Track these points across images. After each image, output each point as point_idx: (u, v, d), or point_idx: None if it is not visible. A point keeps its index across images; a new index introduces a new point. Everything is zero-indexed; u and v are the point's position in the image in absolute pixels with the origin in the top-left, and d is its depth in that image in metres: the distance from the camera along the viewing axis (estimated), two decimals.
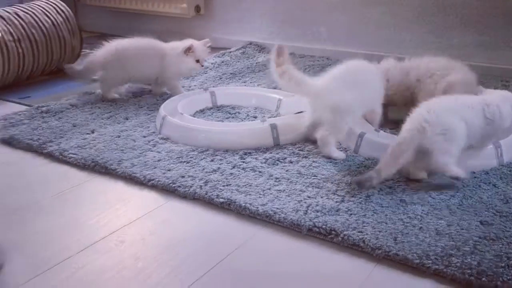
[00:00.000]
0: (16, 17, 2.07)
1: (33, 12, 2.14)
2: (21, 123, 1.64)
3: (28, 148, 1.47)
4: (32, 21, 2.11)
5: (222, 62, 2.38)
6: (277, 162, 1.34)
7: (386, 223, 1.03)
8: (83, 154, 1.39)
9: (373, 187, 1.15)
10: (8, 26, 2.01)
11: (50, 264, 0.95)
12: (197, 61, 1.82)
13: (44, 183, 1.29)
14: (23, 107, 1.84)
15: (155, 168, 1.31)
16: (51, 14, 2.20)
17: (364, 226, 1.02)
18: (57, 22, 2.20)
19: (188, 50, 1.79)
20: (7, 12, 2.07)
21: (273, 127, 1.45)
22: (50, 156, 1.42)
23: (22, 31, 2.05)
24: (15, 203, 1.13)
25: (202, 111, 1.73)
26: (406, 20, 2.29)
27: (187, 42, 1.82)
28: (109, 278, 0.92)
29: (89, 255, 0.99)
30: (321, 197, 1.14)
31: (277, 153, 1.38)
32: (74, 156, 1.39)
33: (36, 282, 0.90)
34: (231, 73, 2.20)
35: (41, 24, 2.13)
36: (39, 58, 2.12)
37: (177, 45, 1.84)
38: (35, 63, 2.11)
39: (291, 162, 1.34)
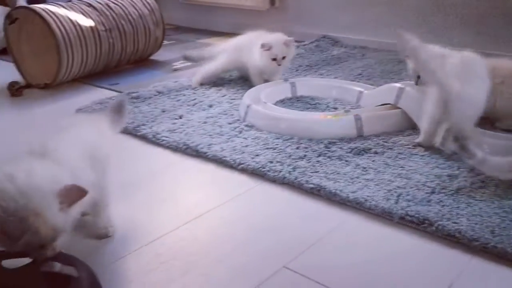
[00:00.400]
0: (108, 8, 2.20)
1: (122, 4, 2.27)
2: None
3: (124, 130, 1.57)
4: (122, 12, 2.23)
5: (297, 54, 2.39)
6: (362, 152, 1.36)
7: (481, 216, 1.02)
8: (174, 138, 1.47)
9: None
10: (100, 16, 2.15)
11: (150, 239, 1.02)
12: (274, 59, 1.84)
13: (142, 163, 1.38)
14: (114, 93, 1.96)
15: (243, 153, 1.37)
16: (138, 6, 2.32)
17: (459, 217, 1.02)
18: (143, 14, 2.32)
19: (265, 47, 1.81)
20: (100, 3, 2.21)
21: (357, 118, 1.47)
22: (144, 138, 1.51)
23: (113, 21, 2.18)
24: (119, 180, 1.22)
25: (282, 101, 1.77)
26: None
27: (268, 38, 1.85)
28: (202, 254, 0.98)
29: (184, 231, 1.05)
30: (411, 188, 1.15)
31: (362, 144, 1.40)
32: (166, 139, 1.47)
33: (135, 255, 0.98)
34: (307, 65, 2.23)
35: (129, 16, 2.25)
36: (127, 47, 2.24)
37: (264, 38, 1.86)
38: (123, 52, 2.23)
39: (376, 152, 1.35)
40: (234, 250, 0.99)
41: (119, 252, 0.98)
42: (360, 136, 1.46)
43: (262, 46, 1.81)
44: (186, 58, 2.27)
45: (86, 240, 1.00)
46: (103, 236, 1.02)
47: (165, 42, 2.58)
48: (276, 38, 1.84)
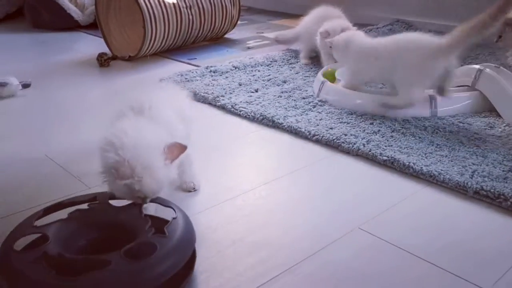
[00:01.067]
0: None
1: None
2: (195, 79, 1.85)
3: (204, 100, 1.67)
4: None
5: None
6: (437, 130, 1.37)
7: None
8: (251, 108, 1.55)
9: None
10: None
11: (231, 195, 1.10)
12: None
13: (221, 130, 1.47)
14: (192, 67, 2.07)
15: (318, 125, 1.42)
16: None
17: None
18: None
19: (323, 34, 1.86)
20: None
21: (432, 98, 1.47)
22: (223, 108, 1.60)
23: None
24: (201, 143, 1.31)
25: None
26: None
27: (327, 26, 1.88)
28: (280, 212, 1.05)
29: (263, 191, 1.12)
30: (487, 165, 1.16)
31: (436, 123, 1.41)
32: (244, 109, 1.55)
33: (218, 208, 1.06)
34: None
35: None
36: (205, 24, 2.34)
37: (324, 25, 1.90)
38: (201, 29, 2.33)
39: (451, 132, 1.36)
40: (310, 210, 1.06)
41: (203, 205, 1.07)
42: (434, 116, 1.46)
43: (320, 34, 1.86)
44: (278, 41, 2.33)
45: (173, 193, 1.10)
46: (189, 189, 1.11)
47: (239, 22, 2.66)
48: (334, 25, 1.88)
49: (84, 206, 0.89)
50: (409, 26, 2.60)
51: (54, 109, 1.64)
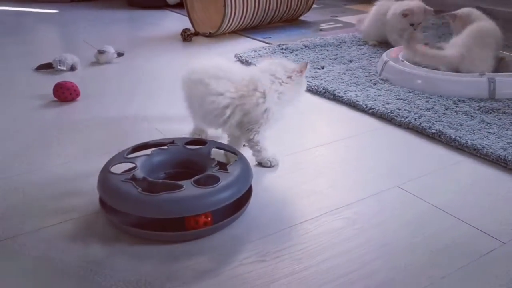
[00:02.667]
0: None
1: None
2: (267, 55, 2.01)
3: None
4: None
5: (442, 23, 2.45)
6: (490, 111, 1.43)
7: None
8: (315, 83, 1.68)
9: None
10: None
11: (292, 151, 1.25)
12: (411, 24, 1.97)
13: None
14: (265, 44, 2.23)
15: (375, 100, 1.53)
16: None
17: None
18: None
19: (405, 13, 1.95)
20: None
21: (491, 81, 1.52)
22: None
23: None
24: None
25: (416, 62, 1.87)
26: None
27: (410, 4, 1.97)
28: (331, 168, 1.19)
29: (318, 151, 1.26)
30: None
31: (491, 104, 1.47)
32: (308, 83, 1.69)
33: (280, 161, 1.21)
34: (449, 33, 2.25)
35: None
36: (281, 6, 2.49)
37: (402, 5, 2.00)
38: (277, 10, 2.48)
39: (504, 113, 1.41)
40: (356, 168, 1.18)
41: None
42: (492, 98, 1.52)
43: (402, 12, 1.95)
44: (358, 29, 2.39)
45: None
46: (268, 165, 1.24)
47: (314, 5, 2.78)
48: (417, 5, 1.96)
49: (164, 147, 1.08)
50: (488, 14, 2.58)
51: (143, 76, 1.88)
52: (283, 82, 1.13)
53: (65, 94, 1.57)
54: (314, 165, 1.20)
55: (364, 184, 1.11)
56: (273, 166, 1.18)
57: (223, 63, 1.18)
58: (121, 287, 0.80)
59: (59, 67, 1.87)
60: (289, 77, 1.14)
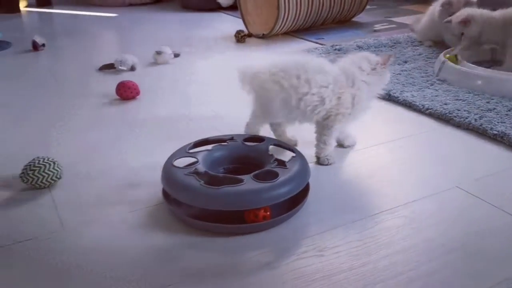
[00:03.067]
0: None
1: None
2: (319, 56, 2.02)
3: None
4: None
5: None
6: None
7: None
8: None
9: None
10: None
11: (345, 150, 1.26)
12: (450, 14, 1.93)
13: None
14: (318, 45, 2.24)
15: (432, 101, 1.50)
16: None
17: None
18: None
19: (445, 4, 1.92)
20: None
21: None
22: None
23: None
24: None
25: (479, 62, 1.82)
26: None
27: None
28: (388, 165, 1.18)
29: (377, 150, 1.26)
30: None
31: None
32: None
33: (353, 150, 1.22)
34: None
35: None
36: (334, 7, 2.49)
37: None
38: (330, 11, 2.49)
39: None
40: (413, 168, 1.17)
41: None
42: None
43: (442, 4, 1.92)
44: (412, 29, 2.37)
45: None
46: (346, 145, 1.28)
47: (368, 6, 2.76)
48: None
49: (224, 143, 1.12)
50: None
51: (198, 75, 1.93)
52: (368, 73, 1.17)
53: (126, 92, 1.64)
54: (371, 164, 1.20)
55: (421, 183, 1.10)
56: (329, 164, 1.19)
57: (305, 59, 1.20)
58: (186, 275, 0.83)
59: (120, 67, 1.95)
60: (373, 69, 1.17)
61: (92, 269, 0.86)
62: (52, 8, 3.43)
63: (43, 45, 2.31)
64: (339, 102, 1.15)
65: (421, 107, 1.47)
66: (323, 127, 1.18)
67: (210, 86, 1.79)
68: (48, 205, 1.05)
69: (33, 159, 1.11)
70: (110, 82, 1.75)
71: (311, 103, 1.14)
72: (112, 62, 1.98)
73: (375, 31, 2.50)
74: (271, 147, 1.10)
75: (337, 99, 1.15)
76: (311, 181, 1.04)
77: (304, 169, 1.01)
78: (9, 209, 1.04)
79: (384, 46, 2.12)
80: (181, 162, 1.05)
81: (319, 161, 1.20)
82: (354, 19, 2.74)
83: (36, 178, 1.08)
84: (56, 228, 0.97)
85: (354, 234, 0.93)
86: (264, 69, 1.18)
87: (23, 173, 1.09)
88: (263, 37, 2.42)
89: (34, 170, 1.08)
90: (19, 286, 0.82)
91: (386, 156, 1.24)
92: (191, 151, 1.08)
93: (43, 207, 1.04)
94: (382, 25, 2.62)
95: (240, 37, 2.39)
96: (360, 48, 2.10)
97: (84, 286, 0.81)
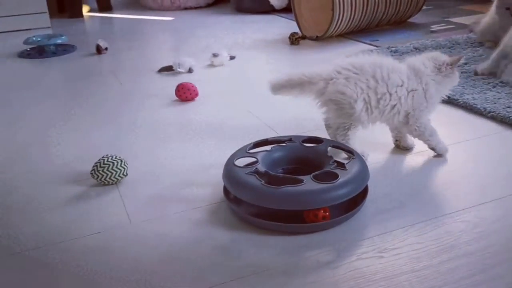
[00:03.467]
0: None
1: None
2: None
3: None
4: None
5: None
6: None
7: None
8: None
9: None
10: None
11: (403, 154, 1.25)
12: (507, 8, 1.89)
13: None
14: (373, 47, 2.22)
15: (495, 103, 1.46)
16: None
17: None
18: None
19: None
20: None
21: None
22: None
23: None
24: None
25: None
26: None
27: None
28: (451, 171, 1.16)
29: (431, 152, 1.25)
30: None
31: None
32: None
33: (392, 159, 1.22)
34: None
35: None
36: (389, 8, 2.45)
37: None
38: (385, 12, 2.46)
39: None
40: (475, 172, 1.15)
41: (382, 154, 1.24)
42: None
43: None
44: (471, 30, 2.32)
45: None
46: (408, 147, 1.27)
47: (424, 7, 2.70)
48: None
49: (283, 144, 1.14)
50: None
51: (254, 77, 1.96)
52: (433, 72, 1.17)
53: (186, 94, 1.70)
54: (431, 168, 1.19)
55: (484, 188, 1.08)
56: (446, 152, 1.22)
57: (376, 58, 1.20)
58: (246, 272, 0.86)
59: (178, 69, 2.02)
60: (438, 68, 1.17)
61: (159, 259, 0.90)
62: (112, 12, 3.58)
63: (106, 48, 2.42)
64: (413, 101, 1.17)
65: (483, 110, 1.44)
66: (413, 130, 1.20)
67: (266, 88, 1.82)
68: (116, 201, 1.10)
69: (102, 157, 1.17)
70: (169, 84, 1.82)
71: (390, 102, 1.16)
72: (170, 64, 2.05)
73: (432, 32, 2.45)
74: (329, 148, 1.11)
75: (412, 98, 1.17)
76: (370, 182, 1.05)
77: (363, 171, 1.02)
78: (80, 204, 1.10)
79: (442, 47, 2.07)
80: (242, 161, 1.08)
81: (437, 154, 1.22)
82: (410, 20, 2.69)
83: (105, 175, 1.14)
84: (124, 223, 1.02)
85: (414, 237, 0.93)
86: (330, 75, 1.17)
87: (93, 170, 1.16)
88: (317, 39, 2.42)
89: (104, 167, 1.15)
90: (93, 274, 0.87)
91: (447, 159, 1.22)
92: (251, 151, 1.11)
93: (111, 203, 1.10)
94: (440, 26, 2.56)
95: (294, 39, 2.41)
96: (417, 49, 2.07)
97: (150, 276, 0.86)
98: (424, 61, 1.19)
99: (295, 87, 1.19)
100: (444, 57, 1.20)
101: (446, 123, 1.44)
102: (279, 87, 1.20)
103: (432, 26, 2.55)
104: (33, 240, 0.98)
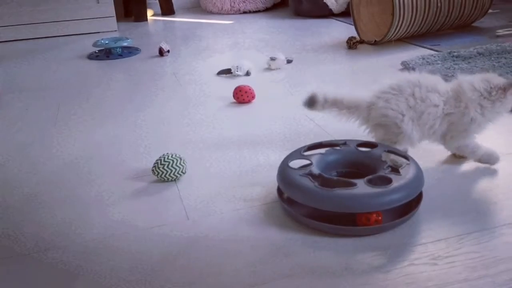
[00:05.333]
0: None
1: None
2: (435, 63, 1.97)
3: None
4: None
5: None
6: None
7: None
8: None
9: None
10: None
11: (462, 161, 1.23)
12: None
13: None
14: (434, 52, 2.17)
15: None
16: None
17: None
18: None
19: None
20: None
21: None
22: None
23: None
24: None
25: None
26: None
27: None
28: (511, 182, 1.13)
29: (477, 167, 1.21)
30: None
31: None
32: None
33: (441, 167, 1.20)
34: None
35: None
36: (453, 12, 2.39)
37: None
38: (448, 16, 2.39)
39: None
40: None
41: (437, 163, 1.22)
42: None
43: None
44: None
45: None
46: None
47: (490, 10, 2.60)
48: None
49: (337, 147, 1.15)
50: None
51: (310, 80, 1.98)
52: (481, 96, 1.12)
53: (243, 96, 1.74)
54: (491, 176, 1.16)
55: None
56: (494, 163, 1.18)
57: (417, 76, 1.19)
58: (298, 271, 0.88)
59: (236, 72, 2.07)
60: (489, 92, 1.12)
61: (215, 254, 0.94)
62: (175, 16, 3.71)
63: (168, 51, 2.52)
64: (449, 124, 1.15)
65: None
66: (452, 149, 1.20)
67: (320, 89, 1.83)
68: (175, 197, 1.16)
69: (163, 154, 1.23)
70: (228, 86, 1.87)
71: (428, 121, 1.14)
72: (229, 67, 2.11)
73: (497, 36, 2.36)
74: (384, 153, 1.11)
75: (447, 121, 1.14)
76: (425, 189, 1.04)
77: (418, 177, 1.01)
78: (141, 198, 1.17)
79: (508, 53, 1.99)
80: (296, 163, 1.10)
81: (481, 162, 1.19)
82: (475, 24, 2.61)
83: (166, 172, 1.20)
84: (181, 219, 1.07)
85: (470, 246, 0.91)
86: (371, 101, 1.19)
87: (154, 166, 1.22)
88: (375, 43, 2.40)
89: (164, 165, 1.20)
90: (156, 265, 0.93)
91: (508, 167, 1.19)
92: (305, 153, 1.13)
93: (170, 199, 1.16)
94: (507, 30, 2.46)
95: (352, 44, 2.40)
96: (481, 54, 2.00)
97: (205, 267, 0.90)
98: (475, 82, 1.14)
99: (343, 109, 1.22)
100: (498, 80, 1.14)
101: (509, 131, 1.39)
102: (323, 103, 1.24)
103: (498, 31, 2.46)
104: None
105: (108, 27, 3.25)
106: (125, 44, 2.60)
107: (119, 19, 3.41)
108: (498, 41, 2.25)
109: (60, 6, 3.15)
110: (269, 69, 2.15)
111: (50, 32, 3.16)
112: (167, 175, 1.21)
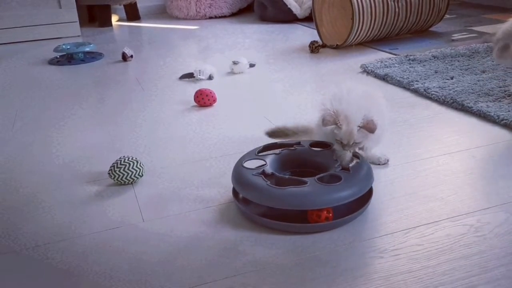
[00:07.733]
0: None
1: None
2: (393, 66, 2.02)
3: (398, 84, 1.84)
4: None
5: None
6: None
7: None
8: (443, 93, 1.66)
9: None
10: None
11: (409, 160, 1.27)
12: None
13: (413, 110, 1.62)
14: (392, 55, 2.23)
15: (509, 111, 1.46)
16: None
17: None
18: None
19: None
20: None
21: None
22: (416, 91, 1.75)
23: None
24: (393, 119, 1.50)
25: None
26: None
27: None
28: (445, 177, 1.18)
29: (439, 160, 1.26)
30: None
31: None
32: (435, 93, 1.67)
33: (395, 168, 1.24)
34: None
35: None
36: (410, 17, 2.46)
37: None
38: (406, 21, 2.47)
39: None
40: (481, 178, 1.16)
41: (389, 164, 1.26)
42: None
43: None
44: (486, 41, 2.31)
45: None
46: (376, 163, 1.26)
47: (447, 15, 2.69)
48: None
49: (292, 147, 1.18)
50: None
51: (272, 84, 2.01)
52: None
53: (204, 100, 1.76)
54: (437, 173, 1.20)
55: (489, 193, 1.09)
56: (383, 164, 1.23)
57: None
58: (250, 268, 0.90)
59: (199, 76, 2.08)
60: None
61: (167, 253, 0.95)
62: (140, 22, 3.69)
63: (131, 56, 2.51)
64: None
65: (496, 117, 1.44)
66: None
67: (284, 95, 1.86)
68: (131, 200, 1.16)
69: (119, 158, 1.23)
70: (189, 90, 1.88)
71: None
72: (191, 71, 2.12)
73: (453, 40, 2.45)
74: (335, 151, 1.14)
75: None
76: (376, 186, 1.07)
77: (367, 174, 1.04)
78: (97, 202, 1.16)
79: (462, 56, 2.07)
80: (251, 164, 1.12)
81: (372, 163, 1.22)
82: (432, 29, 2.69)
83: (122, 175, 1.20)
84: (137, 221, 1.07)
85: (414, 239, 0.95)
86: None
87: (111, 170, 1.22)
88: (337, 47, 2.45)
89: (121, 168, 1.21)
90: (110, 268, 0.93)
91: (455, 165, 1.24)
92: (260, 154, 1.15)
93: (126, 202, 1.16)
94: (462, 35, 2.55)
95: (314, 48, 2.44)
96: (435, 58, 2.07)
97: (160, 269, 0.91)
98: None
99: (301, 135, 1.35)
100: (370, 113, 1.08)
101: (458, 130, 1.44)
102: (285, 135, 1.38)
103: (454, 35, 2.55)
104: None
105: (71, 32, 3.21)
106: (87, 49, 2.57)
107: (83, 24, 3.38)
108: (453, 45, 2.33)
109: (22, 12, 3.10)
110: (232, 73, 2.17)
111: (10, 37, 3.11)
112: (123, 178, 1.21)
